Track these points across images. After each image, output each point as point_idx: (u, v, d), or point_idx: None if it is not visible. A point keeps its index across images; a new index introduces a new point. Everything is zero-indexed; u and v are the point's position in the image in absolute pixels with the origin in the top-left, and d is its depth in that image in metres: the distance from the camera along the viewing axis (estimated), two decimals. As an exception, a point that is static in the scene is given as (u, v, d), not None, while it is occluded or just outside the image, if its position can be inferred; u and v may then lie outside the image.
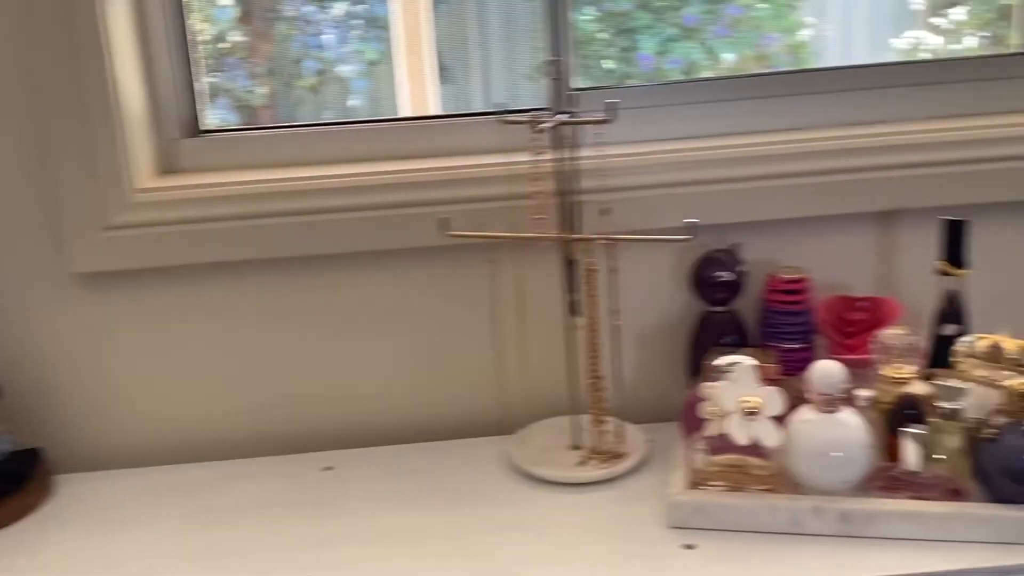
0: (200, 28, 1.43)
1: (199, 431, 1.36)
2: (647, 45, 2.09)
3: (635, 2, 1.87)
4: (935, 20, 1.93)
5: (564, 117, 1.14)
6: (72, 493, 1.25)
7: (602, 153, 1.15)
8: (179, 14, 1.32)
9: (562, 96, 1.27)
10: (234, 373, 1.35)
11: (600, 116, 1.12)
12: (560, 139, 1.17)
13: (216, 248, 1.27)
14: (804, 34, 2.18)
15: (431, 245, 1.27)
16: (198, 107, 1.35)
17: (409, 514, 1.15)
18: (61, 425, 1.35)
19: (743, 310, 1.28)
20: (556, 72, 1.12)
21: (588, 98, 1.31)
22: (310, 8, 2.19)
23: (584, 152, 1.19)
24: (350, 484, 1.23)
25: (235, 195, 1.27)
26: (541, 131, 1.10)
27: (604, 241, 1.15)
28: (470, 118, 1.33)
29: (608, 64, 1.94)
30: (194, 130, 1.36)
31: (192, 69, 1.34)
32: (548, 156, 1.17)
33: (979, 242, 1.22)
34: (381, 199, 1.26)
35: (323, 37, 2.31)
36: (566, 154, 1.18)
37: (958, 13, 1.77)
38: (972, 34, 1.77)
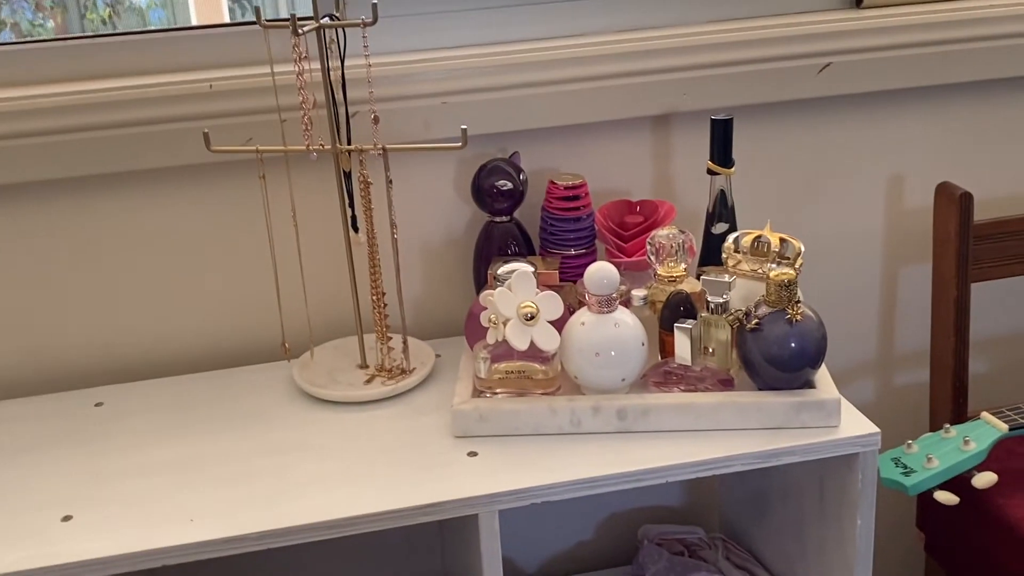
0: None
1: (-44, 375, 1.27)
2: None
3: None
4: None
5: (325, 20, 1.09)
6: None
7: (372, 61, 1.11)
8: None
9: (332, 2, 1.22)
10: (-10, 310, 1.25)
11: (363, 19, 1.07)
12: (328, 46, 1.12)
13: (-44, 175, 1.17)
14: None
15: (195, 163, 1.21)
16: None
17: (187, 444, 1.10)
18: None
19: (525, 219, 1.27)
20: (316, -27, 1.07)
21: (360, 3, 1.26)
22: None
23: (355, 61, 1.14)
24: (123, 419, 1.16)
25: (-26, 116, 1.16)
26: (302, 34, 1.05)
27: (376, 152, 1.12)
28: (231, 27, 1.26)
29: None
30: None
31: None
32: (315, 64, 1.12)
33: (744, 141, 1.25)
34: (135, 115, 1.18)
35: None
36: (335, 62, 1.13)
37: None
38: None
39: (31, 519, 0.99)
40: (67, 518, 0.98)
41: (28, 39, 1.28)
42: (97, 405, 1.20)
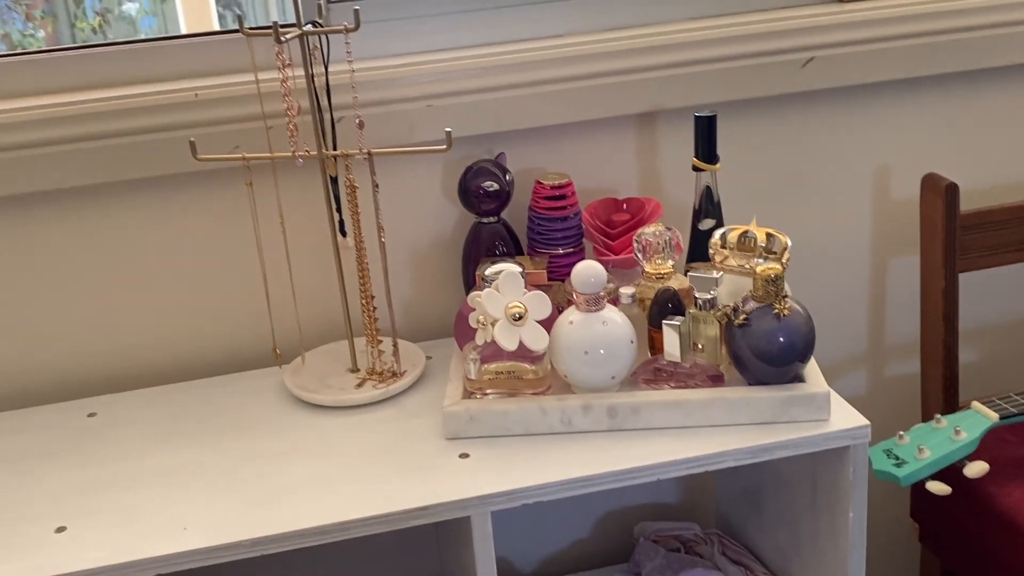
0: None
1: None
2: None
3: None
4: None
5: (308, 27, 1.09)
6: None
7: (356, 66, 1.12)
8: None
9: (315, 8, 1.22)
10: (-19, 323, 1.25)
11: (345, 25, 1.08)
12: (311, 52, 1.13)
13: (-57, 189, 1.17)
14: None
15: (182, 171, 1.21)
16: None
17: (180, 452, 1.11)
18: None
19: (513, 219, 1.27)
20: (297, -20, 1.07)
21: (342, 10, 1.26)
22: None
23: (339, 66, 1.14)
24: (115, 428, 1.17)
25: (-41, 129, 1.16)
26: (284, 42, 1.05)
27: (362, 156, 1.12)
28: (216, 36, 1.26)
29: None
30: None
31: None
32: (299, 71, 1.12)
33: (729, 138, 1.25)
34: (122, 125, 1.18)
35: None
36: (319, 68, 1.13)
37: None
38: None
39: (25, 530, 0.99)
40: (61, 529, 0.99)
41: (15, 51, 1.28)
42: (90, 415, 1.20)
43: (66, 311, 1.27)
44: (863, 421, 1.05)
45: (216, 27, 2.34)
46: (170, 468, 1.08)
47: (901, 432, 1.18)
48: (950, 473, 1.14)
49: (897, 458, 1.16)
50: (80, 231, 1.25)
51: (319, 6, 1.18)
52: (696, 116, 1.18)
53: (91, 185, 1.21)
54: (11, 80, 1.23)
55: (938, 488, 1.14)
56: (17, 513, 1.02)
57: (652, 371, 1.10)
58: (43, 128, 1.17)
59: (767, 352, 1.04)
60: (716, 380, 1.08)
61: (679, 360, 1.07)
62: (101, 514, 1.01)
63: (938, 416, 1.19)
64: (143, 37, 1.29)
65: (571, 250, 1.25)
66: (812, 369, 1.09)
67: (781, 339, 1.03)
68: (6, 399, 1.27)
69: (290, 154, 1.12)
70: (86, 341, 1.28)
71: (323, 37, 1.13)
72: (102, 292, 1.27)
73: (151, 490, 1.04)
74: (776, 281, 1.03)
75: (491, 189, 1.23)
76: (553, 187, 1.24)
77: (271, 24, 1.06)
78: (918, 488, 1.17)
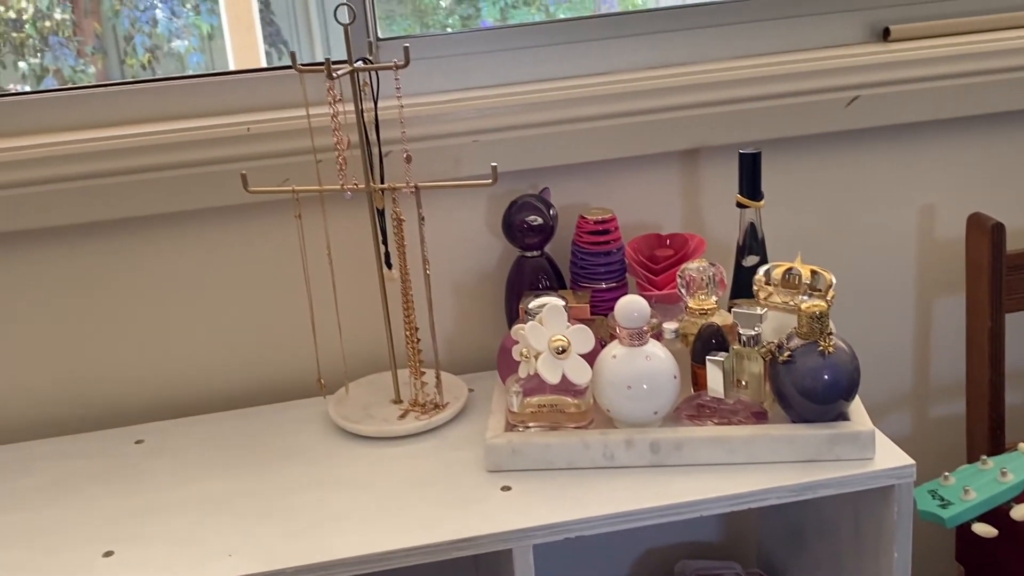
0: (21, 7, 1.35)
1: (2, 411, 1.29)
2: (488, 12, 2.08)
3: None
4: None
5: (359, 64, 1.11)
6: None
7: (405, 102, 1.14)
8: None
9: (365, 46, 1.25)
10: (35, 349, 1.28)
11: (395, 62, 1.10)
12: (361, 88, 1.15)
13: (4, 218, 1.20)
14: (641, -2, 2.21)
15: (234, 204, 1.23)
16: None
17: (226, 480, 1.12)
18: None
19: (556, 253, 1.28)
20: (348, 17, 1.09)
21: (392, 47, 1.29)
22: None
23: (388, 101, 1.16)
24: (162, 456, 1.18)
25: (21, 160, 1.19)
26: (336, 78, 1.07)
27: (409, 189, 1.14)
28: (267, 72, 1.29)
29: (447, 31, 1.93)
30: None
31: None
32: (349, 106, 1.14)
33: (773, 175, 1.26)
34: (177, 158, 1.21)
35: (154, 12, 2.22)
36: (368, 104, 1.15)
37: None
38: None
39: (74, 555, 1.01)
40: (109, 554, 1.00)
41: (70, 86, 1.32)
42: (138, 442, 1.22)
43: (116, 339, 1.30)
44: (908, 460, 1.04)
45: (263, 64, 2.38)
46: (216, 495, 1.09)
47: (946, 473, 1.16)
48: (996, 515, 1.13)
49: (942, 499, 1.14)
50: (132, 261, 1.27)
51: (370, 43, 1.20)
52: (741, 153, 1.18)
53: (144, 216, 1.24)
54: (69, 113, 1.26)
55: (984, 530, 1.12)
56: (66, 537, 1.04)
57: (695, 407, 1.09)
58: (100, 160, 1.20)
59: (811, 389, 1.03)
60: (760, 417, 1.08)
61: (722, 396, 1.07)
62: (148, 539, 1.02)
63: (984, 457, 1.18)
64: (195, 73, 1.32)
65: (614, 285, 1.25)
66: (857, 407, 1.08)
67: (826, 376, 1.03)
68: (57, 425, 1.30)
69: (339, 187, 1.14)
70: (136, 369, 1.31)
71: (373, 73, 1.15)
72: (152, 321, 1.30)
73: (197, 516, 1.06)
74: (821, 318, 1.03)
75: (535, 223, 1.24)
76: (597, 222, 1.24)
77: (323, 61, 1.08)
78: (964, 530, 1.15)
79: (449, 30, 1.91)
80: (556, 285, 1.27)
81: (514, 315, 1.26)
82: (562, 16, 2.06)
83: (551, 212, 1.25)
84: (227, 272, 1.29)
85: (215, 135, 1.22)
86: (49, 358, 1.29)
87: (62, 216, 1.22)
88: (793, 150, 1.36)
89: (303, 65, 1.14)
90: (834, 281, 1.08)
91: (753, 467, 1.05)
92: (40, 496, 1.12)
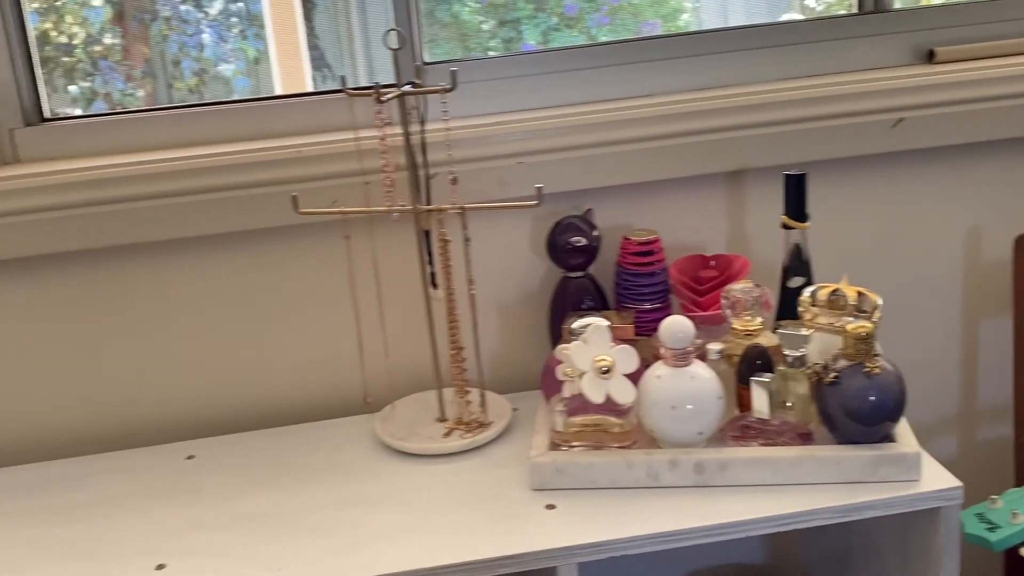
0: (73, 32, 1.39)
1: (55, 427, 1.32)
2: (530, 35, 2.10)
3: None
4: (809, 2, 2.00)
5: (407, 87, 1.13)
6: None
7: (451, 125, 1.15)
8: (16, 6, 1.28)
9: (412, 70, 1.27)
10: (87, 366, 1.31)
11: (442, 85, 1.12)
12: (409, 112, 1.17)
13: (61, 237, 1.23)
14: (684, 19, 2.22)
15: (283, 225, 1.26)
16: (41, 96, 1.31)
17: (271, 496, 1.14)
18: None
19: (600, 274, 1.29)
20: (397, 43, 1.12)
21: (438, 71, 1.31)
22: (186, 7, 2.15)
23: (435, 124, 1.18)
24: (213, 471, 1.21)
25: (77, 182, 1.23)
26: (385, 101, 1.10)
27: (455, 211, 1.15)
28: (316, 96, 1.32)
29: (492, 55, 1.95)
30: (37, 119, 1.31)
31: (33, 58, 1.30)
32: (396, 129, 1.16)
33: (818, 196, 1.26)
34: (228, 180, 1.24)
35: (202, 36, 2.27)
36: (415, 126, 1.17)
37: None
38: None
39: (126, 568, 1.03)
40: (161, 567, 1.02)
41: (132, 109, 1.35)
42: (188, 458, 1.25)
43: (168, 357, 1.32)
44: (955, 482, 1.04)
45: (309, 88, 2.41)
46: (264, 510, 1.11)
47: (994, 496, 1.15)
48: (1046, 540, 1.12)
49: (990, 522, 1.13)
50: (183, 279, 1.30)
51: (417, 67, 1.22)
52: (786, 175, 1.19)
53: (196, 236, 1.27)
54: (128, 136, 1.30)
55: (1034, 555, 1.11)
56: (119, 550, 1.06)
57: (740, 428, 1.10)
58: (156, 182, 1.24)
59: (858, 411, 1.03)
60: (805, 438, 1.08)
61: (767, 417, 1.07)
62: (199, 553, 1.04)
63: (1034, 481, 1.17)
64: (245, 97, 1.35)
65: (657, 306, 1.26)
66: (903, 429, 1.08)
67: (872, 398, 1.03)
68: (110, 440, 1.32)
69: (386, 209, 1.16)
70: (186, 386, 1.33)
71: (421, 97, 1.17)
72: (202, 339, 1.32)
73: (246, 531, 1.07)
74: (867, 339, 1.03)
75: (579, 244, 1.26)
76: (641, 243, 1.25)
77: (372, 85, 1.10)
78: (1012, 554, 1.14)
79: (491, 53, 1.93)
80: (600, 306, 1.28)
81: (558, 335, 1.27)
82: (604, 39, 2.07)
83: (595, 233, 1.26)
84: (276, 291, 1.32)
85: (266, 157, 1.25)
86: (102, 375, 1.32)
87: (115, 236, 1.25)
88: (838, 171, 1.36)
89: (352, 89, 1.16)
90: (880, 303, 1.08)
91: (798, 488, 1.05)
92: (94, 510, 1.15)
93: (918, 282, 1.44)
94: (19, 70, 1.29)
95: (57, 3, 1.44)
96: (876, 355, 1.04)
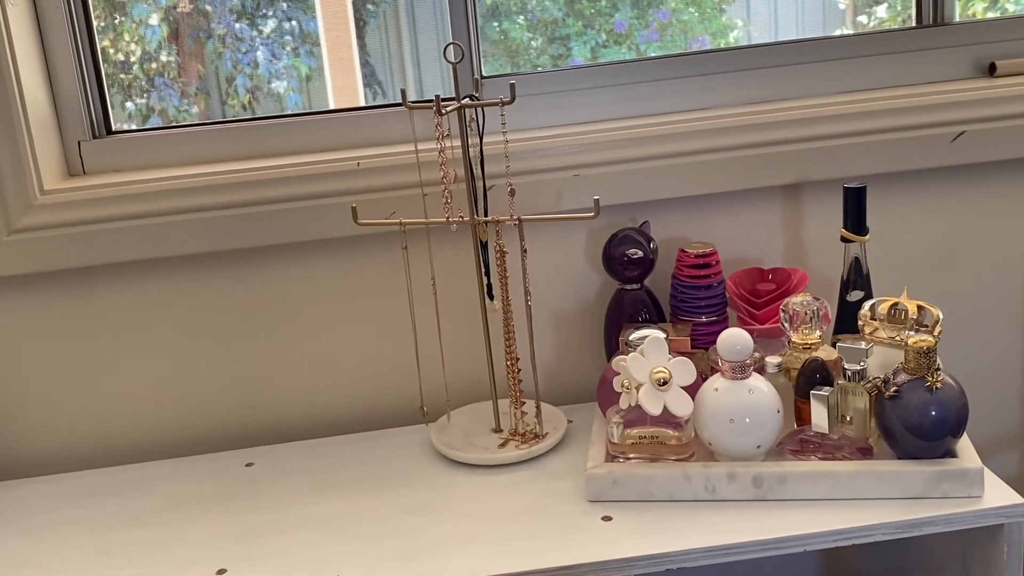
0: (130, 49, 1.42)
1: (119, 434, 1.35)
2: (579, 52, 2.11)
3: (565, 9, 1.89)
4: (861, 18, 1.99)
5: (466, 100, 1.15)
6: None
7: (509, 137, 1.16)
8: (85, 21, 1.31)
9: (471, 83, 1.28)
10: (150, 374, 1.34)
11: (502, 98, 1.13)
12: (468, 124, 1.18)
13: (125, 248, 1.26)
14: (733, 36, 2.21)
15: (342, 236, 1.27)
16: (108, 109, 1.34)
17: (329, 503, 1.15)
18: (-25, 436, 1.33)
19: (656, 286, 1.29)
20: (456, 56, 1.13)
21: (496, 85, 1.32)
22: (240, 25, 2.18)
23: (492, 136, 1.19)
24: (272, 478, 1.22)
25: (141, 193, 1.26)
26: (444, 114, 1.11)
27: (512, 222, 1.16)
28: (375, 110, 1.34)
29: (545, 69, 1.96)
30: (103, 132, 1.35)
31: (100, 73, 1.34)
32: (456, 142, 1.18)
33: (878, 210, 1.25)
34: (289, 192, 1.26)
35: (256, 54, 2.30)
36: (474, 139, 1.18)
37: (881, 10, 1.82)
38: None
39: (188, 572, 1.05)
40: (222, 571, 1.04)
41: (204, 122, 1.38)
42: (248, 465, 1.26)
43: (227, 365, 1.35)
44: (1019, 499, 1.02)
45: (362, 103, 2.44)
46: (323, 517, 1.12)
47: (1060, 515, 1.13)
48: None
49: (1055, 541, 1.11)
50: (245, 290, 1.32)
51: (476, 80, 1.23)
52: (845, 188, 1.18)
53: (258, 247, 1.29)
54: (190, 149, 1.33)
55: (1100, 575, 1.09)
56: (181, 555, 1.08)
57: (798, 442, 1.09)
58: (219, 193, 1.26)
59: (919, 426, 1.02)
60: (865, 453, 1.07)
61: (827, 431, 1.06)
62: (259, 559, 1.06)
63: (1100, 500, 1.15)
64: (307, 111, 1.38)
65: (714, 318, 1.26)
66: (964, 444, 1.06)
67: (933, 413, 1.02)
68: (171, 448, 1.35)
69: (444, 220, 1.17)
70: (246, 394, 1.35)
71: (479, 109, 1.19)
72: (262, 348, 1.34)
73: (305, 537, 1.09)
74: (929, 354, 1.02)
75: (635, 256, 1.26)
76: (697, 255, 1.25)
77: (432, 98, 1.12)
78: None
79: (539, 69, 1.95)
80: (656, 318, 1.28)
81: (614, 347, 1.28)
82: (652, 54, 2.07)
83: (651, 245, 1.27)
84: (336, 301, 1.34)
85: (327, 170, 1.27)
86: (163, 384, 1.34)
87: (180, 246, 1.27)
88: (898, 185, 1.35)
89: (412, 102, 1.18)
90: (941, 316, 1.07)
91: (858, 503, 1.04)
92: (157, 515, 1.17)
93: (978, 296, 1.42)
94: (88, 84, 1.32)
95: (115, 21, 1.48)
96: (938, 369, 1.03)
